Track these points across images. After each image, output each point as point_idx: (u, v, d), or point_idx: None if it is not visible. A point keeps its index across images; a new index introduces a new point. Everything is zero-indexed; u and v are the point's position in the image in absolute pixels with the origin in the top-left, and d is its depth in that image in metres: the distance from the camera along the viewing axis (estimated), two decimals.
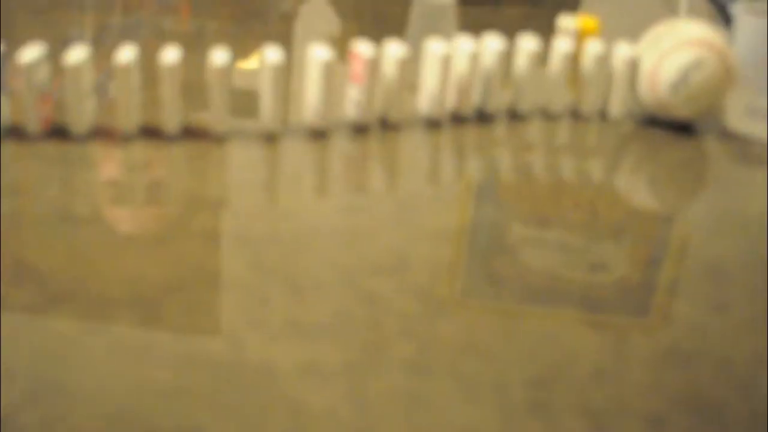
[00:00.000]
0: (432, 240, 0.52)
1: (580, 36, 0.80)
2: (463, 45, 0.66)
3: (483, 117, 0.69)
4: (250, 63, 0.79)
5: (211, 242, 0.50)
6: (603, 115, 0.71)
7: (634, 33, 0.69)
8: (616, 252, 0.53)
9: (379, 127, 0.66)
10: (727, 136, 0.69)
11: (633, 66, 0.68)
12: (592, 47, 0.68)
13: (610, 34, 0.86)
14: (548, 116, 0.70)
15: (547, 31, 0.90)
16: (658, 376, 0.42)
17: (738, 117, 0.69)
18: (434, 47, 0.65)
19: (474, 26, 0.93)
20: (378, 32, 0.89)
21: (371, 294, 0.47)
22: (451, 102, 0.68)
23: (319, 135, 0.64)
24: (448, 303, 0.46)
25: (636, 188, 0.62)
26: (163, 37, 0.82)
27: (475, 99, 0.68)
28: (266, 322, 0.44)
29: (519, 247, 0.53)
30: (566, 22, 0.78)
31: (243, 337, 0.42)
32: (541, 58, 0.68)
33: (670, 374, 0.42)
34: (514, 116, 0.69)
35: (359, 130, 0.65)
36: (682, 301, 0.49)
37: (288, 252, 0.50)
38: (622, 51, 0.68)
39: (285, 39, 0.86)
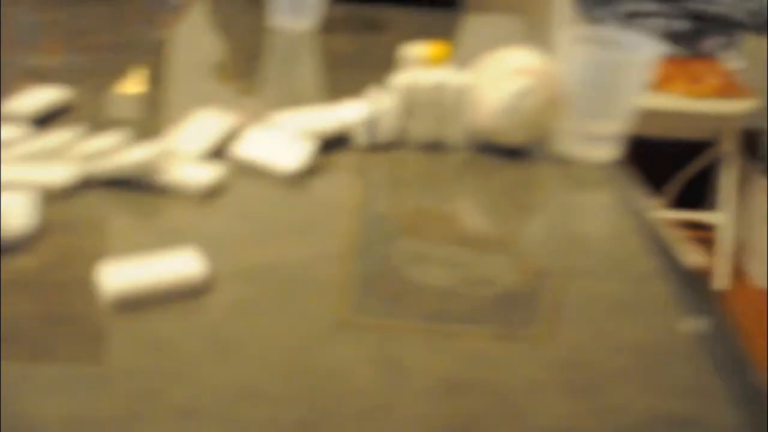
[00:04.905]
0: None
1: (428, 63, 0.82)
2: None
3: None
4: (129, 87, 0.80)
5: None
6: (437, 145, 0.71)
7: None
8: (443, 275, 0.55)
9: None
10: (557, 159, 0.70)
11: (464, 94, 0.69)
12: (423, 77, 0.70)
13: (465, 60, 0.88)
14: (378, 147, 0.70)
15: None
16: (434, 406, 0.44)
17: (566, 141, 0.70)
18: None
19: (331, 55, 0.94)
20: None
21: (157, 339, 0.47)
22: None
23: None
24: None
25: (471, 212, 0.63)
26: (32, 74, 0.81)
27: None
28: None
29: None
30: (409, 50, 0.80)
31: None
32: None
33: (445, 404, 0.44)
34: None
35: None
36: (477, 326, 0.50)
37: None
38: (454, 79, 0.70)
39: (158, 67, 0.86)
